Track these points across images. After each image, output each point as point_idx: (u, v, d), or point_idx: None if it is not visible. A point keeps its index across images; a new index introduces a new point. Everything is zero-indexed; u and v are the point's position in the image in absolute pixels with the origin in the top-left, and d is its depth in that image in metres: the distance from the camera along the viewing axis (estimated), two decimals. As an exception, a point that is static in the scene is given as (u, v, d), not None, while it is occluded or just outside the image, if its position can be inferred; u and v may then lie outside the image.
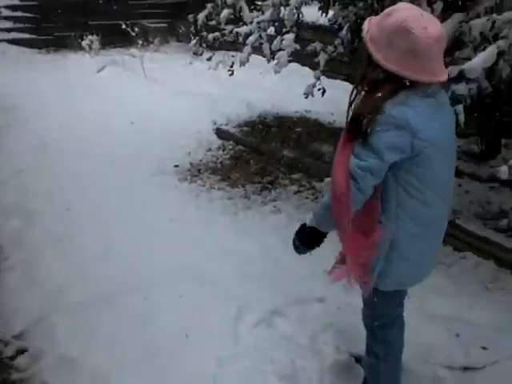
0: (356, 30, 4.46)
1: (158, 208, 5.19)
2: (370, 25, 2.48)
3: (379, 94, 2.43)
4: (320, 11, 5.14)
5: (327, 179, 2.92)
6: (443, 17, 3.61)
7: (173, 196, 5.47)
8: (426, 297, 3.92)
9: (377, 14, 3.28)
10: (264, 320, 3.66)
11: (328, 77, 9.12)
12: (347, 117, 2.57)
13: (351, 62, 8.87)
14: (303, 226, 2.79)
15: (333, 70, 9.15)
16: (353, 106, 2.57)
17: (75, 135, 6.82)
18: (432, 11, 3.57)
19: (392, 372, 3.03)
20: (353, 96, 2.59)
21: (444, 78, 2.44)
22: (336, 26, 4.99)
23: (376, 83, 2.49)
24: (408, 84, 2.40)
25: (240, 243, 4.56)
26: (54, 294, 3.87)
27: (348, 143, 2.52)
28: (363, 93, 2.55)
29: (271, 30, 4.87)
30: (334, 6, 4.73)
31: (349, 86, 8.56)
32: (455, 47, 3.73)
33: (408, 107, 2.37)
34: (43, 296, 3.86)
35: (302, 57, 5.81)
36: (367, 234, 2.63)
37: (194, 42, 6.03)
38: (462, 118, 3.67)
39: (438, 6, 3.62)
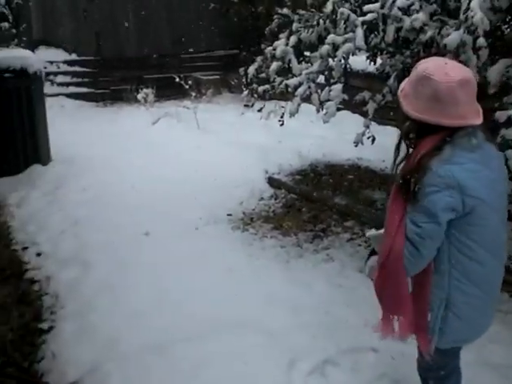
0: (403, 78, 4.48)
1: (211, 257, 5.22)
2: (404, 83, 2.53)
3: (423, 152, 2.43)
4: (368, 60, 5.19)
5: (372, 232, 2.89)
6: (491, 63, 3.62)
7: (226, 245, 5.51)
8: (483, 345, 3.81)
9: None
10: (317, 369, 3.62)
11: (379, 123, 9.17)
12: (394, 174, 2.58)
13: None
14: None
15: (383, 116, 9.19)
16: (398, 163, 2.59)
17: (129, 186, 6.95)
18: (478, 58, 3.58)
19: None
20: (396, 154, 2.60)
21: (477, 121, 2.42)
22: (384, 75, 5.03)
23: (416, 139, 2.50)
24: (448, 139, 2.39)
25: (292, 292, 4.55)
26: (108, 343, 3.92)
27: (399, 202, 2.52)
28: (407, 150, 2.56)
29: (321, 79, 4.93)
30: (381, 54, 4.78)
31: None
32: (503, 92, 3.71)
33: (455, 165, 2.37)
34: (97, 345, 3.92)
35: (352, 104, 5.85)
36: (421, 296, 2.62)
37: (245, 93, 6.14)
38: None
39: (484, 52, 3.62)
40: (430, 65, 2.43)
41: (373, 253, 2.87)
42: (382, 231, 2.74)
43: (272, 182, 7.27)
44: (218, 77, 12.73)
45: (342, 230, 5.85)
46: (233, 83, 11.87)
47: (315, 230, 5.88)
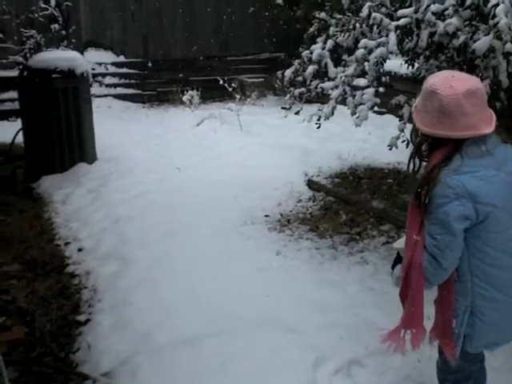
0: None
1: (246, 256, 5.31)
2: (417, 99, 2.59)
3: (433, 164, 2.48)
4: (406, 64, 5.21)
5: (398, 245, 2.92)
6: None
7: (261, 245, 5.58)
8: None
9: (458, 66, 3.35)
10: (343, 369, 3.66)
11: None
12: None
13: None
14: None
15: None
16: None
17: (171, 186, 7.09)
18: (508, 63, 3.57)
19: None
20: (409, 167, 2.68)
21: (488, 129, 2.43)
22: (420, 79, 5.04)
23: (429, 152, 2.56)
24: (457, 150, 2.44)
25: (323, 293, 4.60)
26: (141, 337, 4.04)
27: (416, 216, 2.57)
28: (420, 164, 2.63)
29: (357, 82, 4.97)
30: (417, 59, 4.80)
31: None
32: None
33: (464, 174, 2.41)
34: (130, 338, 4.04)
35: (394, 108, 5.85)
36: (445, 303, 2.68)
37: (288, 96, 6.21)
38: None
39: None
40: (436, 79, 2.49)
41: (397, 261, 2.89)
42: (403, 240, 2.79)
43: (311, 184, 7.32)
44: (262, 79, 12.82)
45: (377, 233, 5.86)
46: (277, 85, 11.94)
47: (351, 232, 5.91)
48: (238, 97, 11.18)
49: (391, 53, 4.32)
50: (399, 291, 2.75)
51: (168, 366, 3.71)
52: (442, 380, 3.02)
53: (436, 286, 2.70)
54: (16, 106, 8.09)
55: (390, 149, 5.24)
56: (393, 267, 2.92)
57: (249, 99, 11.57)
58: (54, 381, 3.78)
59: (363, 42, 4.45)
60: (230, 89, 11.24)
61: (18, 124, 7.93)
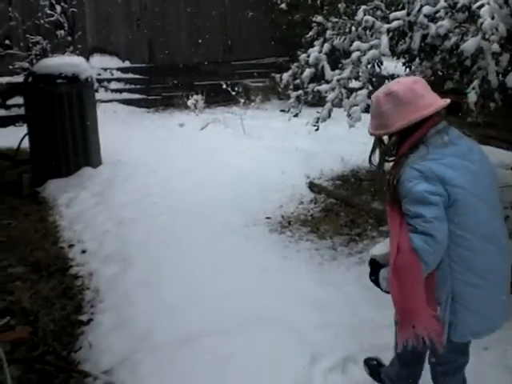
0: (433, 83, 4.56)
1: (247, 257, 5.38)
2: (369, 123, 2.81)
3: (400, 154, 2.67)
4: (403, 66, 5.27)
5: (376, 252, 2.97)
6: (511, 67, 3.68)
7: (261, 246, 5.65)
8: (506, 350, 3.87)
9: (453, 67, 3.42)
10: (338, 366, 3.73)
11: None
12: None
13: (447, 115, 8.91)
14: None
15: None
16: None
17: (173, 189, 7.17)
18: (497, 64, 3.64)
19: None
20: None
21: (445, 102, 2.65)
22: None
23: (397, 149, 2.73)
24: (422, 140, 2.63)
25: (321, 292, 4.67)
26: (141, 335, 4.13)
27: (394, 209, 2.69)
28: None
29: (354, 85, 5.03)
30: (413, 61, 4.86)
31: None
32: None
33: (430, 160, 2.56)
34: (131, 337, 4.13)
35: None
36: (428, 292, 2.70)
37: (291, 100, 6.25)
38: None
39: (504, 58, 3.68)
40: (382, 88, 2.75)
41: (374, 269, 2.97)
42: (383, 246, 2.86)
43: (312, 186, 7.38)
44: (267, 83, 12.88)
45: (377, 234, 5.92)
46: (281, 90, 12.00)
47: (351, 233, 5.98)
48: (242, 101, 11.27)
49: (383, 55, 4.39)
50: (392, 291, 2.75)
51: (167, 363, 3.79)
52: (432, 372, 3.09)
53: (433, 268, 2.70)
54: (22, 111, 8.19)
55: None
56: (371, 276, 2.99)
57: (253, 103, 11.65)
58: (56, 378, 3.86)
59: (356, 44, 4.52)
60: (234, 93, 11.33)
61: (24, 129, 8.03)
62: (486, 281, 2.69)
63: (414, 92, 2.64)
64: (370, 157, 2.89)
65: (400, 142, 2.71)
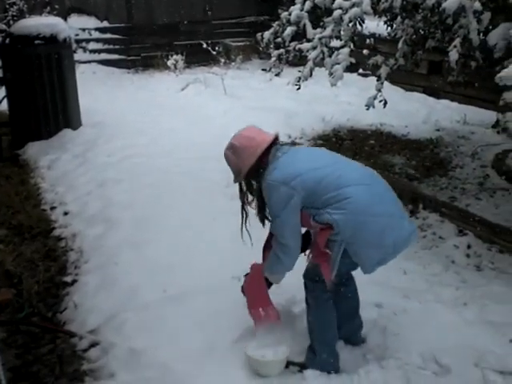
0: (415, 42, 4.58)
1: (229, 217, 5.38)
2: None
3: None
4: (385, 24, 5.26)
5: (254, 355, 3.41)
6: (492, 25, 3.68)
7: (244, 205, 5.66)
8: (485, 305, 3.96)
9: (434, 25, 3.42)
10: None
11: (406, 90, 9.21)
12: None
13: (429, 74, 8.94)
14: None
15: (410, 82, 9.24)
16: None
17: (157, 149, 7.14)
18: (478, 22, 3.65)
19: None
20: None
21: (270, 137, 3.32)
22: (396, 39, 5.09)
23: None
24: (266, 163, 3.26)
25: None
26: (127, 295, 4.17)
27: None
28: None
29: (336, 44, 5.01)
30: (395, 19, 4.85)
31: (426, 99, 8.74)
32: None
33: (275, 170, 3.22)
34: (117, 296, 4.17)
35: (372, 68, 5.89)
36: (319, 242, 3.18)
37: (273, 59, 6.21)
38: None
39: (485, 16, 3.69)
40: (225, 147, 3.37)
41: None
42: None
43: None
44: (248, 43, 12.77)
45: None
46: (261, 49, 11.93)
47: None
48: (222, 61, 11.19)
49: (365, 13, 4.38)
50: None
51: (154, 322, 3.82)
52: (307, 286, 3.42)
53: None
54: (0, 73, 8.07)
55: (368, 108, 5.30)
56: None
57: (233, 63, 11.57)
58: (42, 339, 3.90)
59: (338, 1, 4.49)
60: (215, 53, 11.23)
61: (2, 92, 7.91)
62: (375, 215, 3.08)
63: (247, 137, 3.29)
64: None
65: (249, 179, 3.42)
